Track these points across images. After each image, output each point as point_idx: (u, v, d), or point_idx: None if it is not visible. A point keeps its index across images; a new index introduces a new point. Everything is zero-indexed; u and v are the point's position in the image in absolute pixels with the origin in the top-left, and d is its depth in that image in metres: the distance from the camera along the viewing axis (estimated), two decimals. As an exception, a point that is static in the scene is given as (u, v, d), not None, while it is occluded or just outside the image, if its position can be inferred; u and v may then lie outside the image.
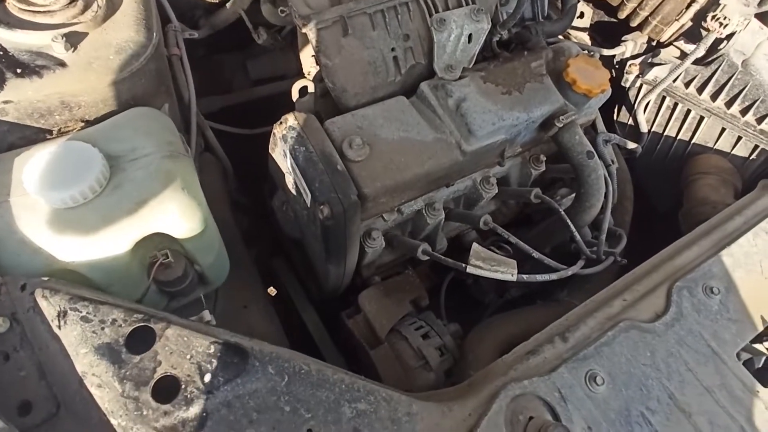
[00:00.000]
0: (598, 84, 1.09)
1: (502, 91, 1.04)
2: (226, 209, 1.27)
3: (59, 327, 0.63)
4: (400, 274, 1.26)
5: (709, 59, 1.21)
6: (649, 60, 1.32)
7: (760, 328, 0.88)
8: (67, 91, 0.81)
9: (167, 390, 0.61)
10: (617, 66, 1.40)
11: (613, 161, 1.31)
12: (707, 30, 1.16)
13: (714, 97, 1.22)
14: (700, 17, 1.19)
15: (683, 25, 1.22)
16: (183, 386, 0.62)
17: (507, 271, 0.95)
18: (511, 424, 0.69)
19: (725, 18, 1.13)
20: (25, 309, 0.65)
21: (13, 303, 0.65)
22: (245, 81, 1.59)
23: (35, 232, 0.71)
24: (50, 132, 0.83)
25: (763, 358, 0.89)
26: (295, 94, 1.01)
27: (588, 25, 1.54)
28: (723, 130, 1.24)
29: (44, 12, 0.85)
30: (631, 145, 1.36)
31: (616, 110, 1.45)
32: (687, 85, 1.25)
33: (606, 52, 1.34)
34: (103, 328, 0.63)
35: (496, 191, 1.15)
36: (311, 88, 1.02)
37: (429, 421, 0.68)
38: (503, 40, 1.17)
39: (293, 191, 0.99)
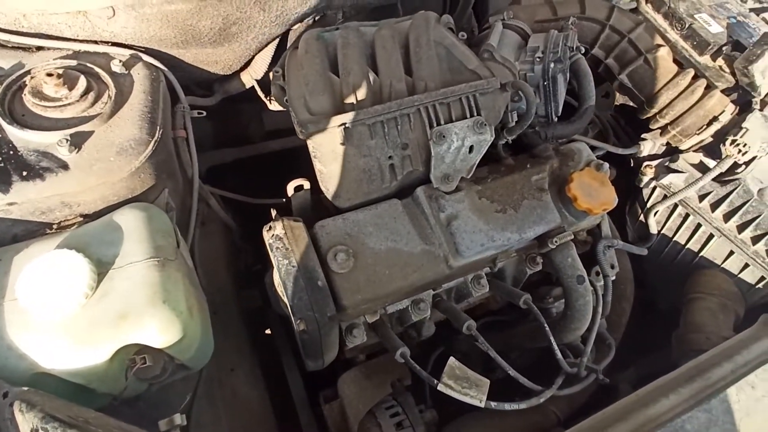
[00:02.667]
0: (600, 203, 1.07)
1: (497, 209, 1.03)
2: (224, 271, 1.31)
3: (30, 443, 0.69)
4: (386, 352, 1.28)
5: (727, 179, 1.16)
6: (666, 164, 1.27)
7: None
8: (68, 193, 0.86)
9: None
10: (633, 164, 1.36)
11: (613, 266, 1.28)
12: (726, 154, 1.11)
13: (726, 218, 1.17)
14: (720, 136, 1.14)
15: (703, 140, 1.17)
16: None
17: (476, 396, 0.96)
18: None
19: (745, 145, 1.08)
20: (4, 418, 0.71)
21: (-7, 412, 0.71)
22: (260, 130, 1.62)
23: (22, 337, 0.77)
24: (50, 226, 0.88)
25: None
26: (290, 191, 1.03)
27: (612, 106, 1.50)
28: (731, 252, 1.19)
29: (57, 107, 0.90)
30: (637, 250, 1.33)
31: (628, 205, 1.41)
32: (701, 199, 1.21)
33: (622, 151, 1.30)
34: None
35: (487, 290, 1.15)
36: (306, 185, 1.04)
37: None
38: (510, 142, 1.15)
39: (280, 294, 1.02)
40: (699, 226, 1.24)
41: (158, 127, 0.96)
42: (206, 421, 1.09)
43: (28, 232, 0.87)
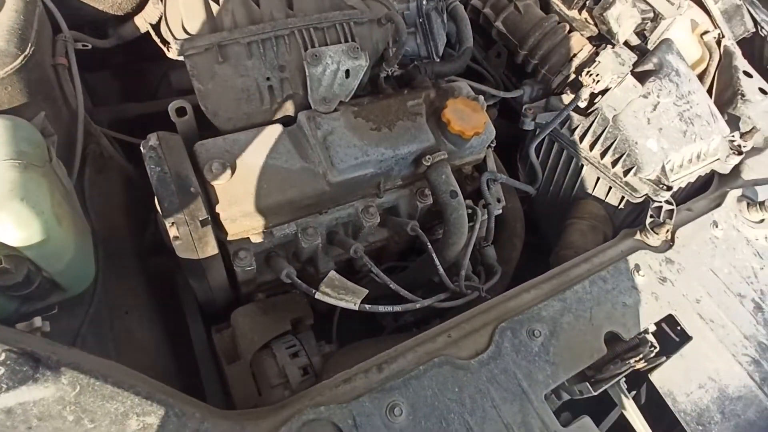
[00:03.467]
0: (472, 126, 1.15)
1: (371, 127, 1.09)
2: (121, 217, 1.30)
3: None
4: (287, 294, 1.29)
5: (589, 111, 1.28)
6: (543, 105, 1.39)
7: (576, 371, 0.93)
8: None
9: (-51, 393, 0.64)
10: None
11: (499, 200, 1.37)
12: (583, 84, 1.23)
13: (591, 146, 1.29)
14: (580, 71, 1.26)
15: (567, 77, 1.29)
16: (-36, 390, 0.65)
17: (351, 301, 1.00)
18: (296, 446, 0.73)
19: (597, 75, 1.20)
20: None
21: None
22: (169, 90, 1.62)
23: None
24: None
25: (570, 397, 0.94)
26: (172, 114, 1.05)
27: (504, 65, 1.61)
28: (598, 179, 1.31)
29: None
30: (522, 186, 1.43)
31: (518, 152, 1.51)
32: (571, 133, 1.32)
33: (504, 94, 1.41)
34: None
35: (377, 220, 1.19)
36: (189, 109, 1.06)
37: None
38: (393, 75, 1.23)
39: (159, 210, 1.03)
40: (572, 158, 1.35)
41: (29, 45, 0.96)
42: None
43: None
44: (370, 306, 1.02)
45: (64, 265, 0.94)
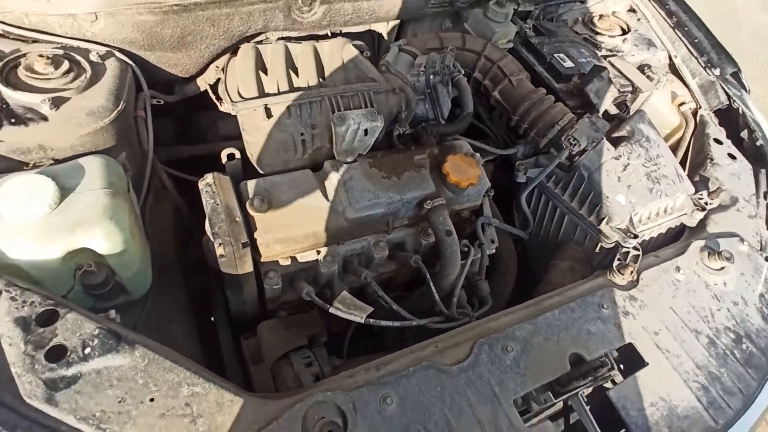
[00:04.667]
0: (467, 178, 1.39)
1: (383, 176, 1.34)
2: (170, 239, 1.55)
3: (-6, 302, 0.91)
4: (306, 313, 1.51)
5: (570, 168, 1.50)
6: (533, 162, 1.62)
7: (542, 383, 1.11)
8: (45, 139, 1.13)
9: (57, 354, 0.87)
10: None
11: (493, 241, 1.58)
12: (563, 146, 1.46)
13: (571, 198, 1.50)
14: (561, 135, 1.50)
15: (551, 139, 1.53)
16: (68, 353, 0.88)
17: (358, 315, 1.21)
18: (306, 420, 0.93)
19: (574, 139, 1.44)
20: (-24, 287, 0.93)
21: (-33, 282, 0.93)
22: (216, 135, 1.92)
23: (-2, 234, 1.01)
24: (27, 164, 1.14)
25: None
26: (224, 158, 1.32)
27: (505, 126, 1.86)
28: (577, 226, 1.52)
29: (43, 79, 1.19)
30: (515, 231, 1.65)
31: (514, 202, 1.74)
32: (555, 185, 1.54)
33: (500, 152, 1.65)
34: (23, 306, 0.91)
35: (386, 253, 1.41)
36: (237, 154, 1.33)
37: (246, 408, 0.93)
38: (405, 134, 1.49)
39: (209, 234, 1.28)
40: (556, 208, 1.56)
41: (122, 102, 1.26)
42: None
43: (9, 168, 1.13)
44: (373, 320, 1.23)
45: (133, 272, 1.19)
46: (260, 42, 1.53)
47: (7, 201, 1.02)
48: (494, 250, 1.58)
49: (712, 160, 1.67)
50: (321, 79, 1.39)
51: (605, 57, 1.83)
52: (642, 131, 1.55)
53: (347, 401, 0.98)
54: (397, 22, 1.78)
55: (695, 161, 1.74)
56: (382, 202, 1.31)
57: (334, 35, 1.70)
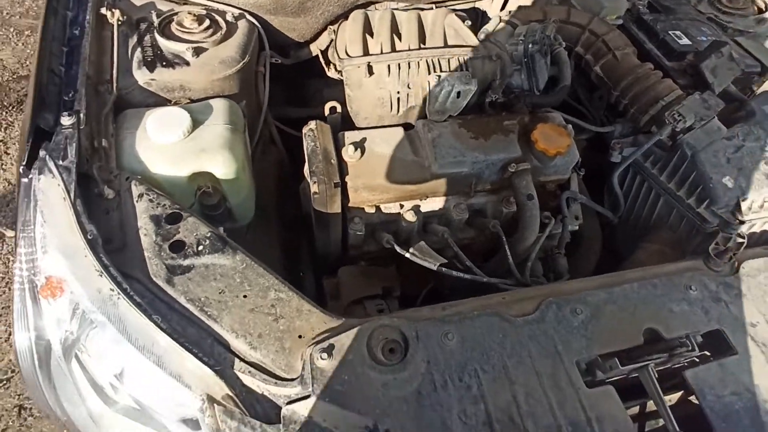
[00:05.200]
0: (555, 147, 1.38)
1: (471, 136, 1.39)
2: (271, 189, 1.74)
3: (137, 201, 1.13)
4: (384, 267, 1.61)
5: (673, 147, 1.42)
6: (630, 141, 1.56)
7: (609, 350, 1.09)
8: (185, 80, 1.35)
9: (178, 246, 1.06)
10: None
11: (577, 217, 1.55)
12: (666, 122, 1.39)
13: (669, 179, 1.42)
14: (665, 111, 1.42)
15: (654, 116, 1.46)
16: (186, 248, 1.06)
17: (432, 262, 1.28)
18: (371, 338, 1.02)
19: (679, 115, 1.36)
20: (125, 189, 1.16)
21: (120, 184, 1.16)
22: (321, 101, 2.10)
23: (144, 152, 1.23)
24: (170, 101, 1.37)
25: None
26: (327, 111, 1.47)
27: (604, 107, 1.80)
28: (673, 209, 1.43)
29: (190, 32, 1.42)
30: (602, 210, 1.60)
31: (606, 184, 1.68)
32: (653, 165, 1.47)
33: (595, 129, 1.60)
34: (157, 207, 1.11)
35: (466, 216, 1.46)
36: (339, 108, 1.47)
37: (320, 318, 1.05)
38: (497, 101, 1.52)
39: (306, 175, 1.43)
40: (651, 189, 1.49)
41: (247, 56, 1.45)
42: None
43: (157, 102, 1.36)
44: (445, 270, 1.29)
45: (240, 200, 1.37)
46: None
47: (154, 126, 1.24)
48: (577, 227, 1.55)
49: None
50: (422, 44, 1.47)
51: (733, 38, 1.68)
52: (766, 113, 1.41)
53: (411, 329, 1.05)
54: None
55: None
56: (467, 160, 1.36)
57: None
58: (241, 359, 0.99)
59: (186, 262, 1.05)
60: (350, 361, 1.00)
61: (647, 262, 1.39)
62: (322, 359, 0.98)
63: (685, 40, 1.60)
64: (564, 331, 1.10)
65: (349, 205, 1.40)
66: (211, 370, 0.95)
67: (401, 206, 1.44)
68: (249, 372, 0.97)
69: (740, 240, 1.28)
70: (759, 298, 1.21)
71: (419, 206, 1.46)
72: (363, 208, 1.43)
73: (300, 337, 1.03)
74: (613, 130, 1.60)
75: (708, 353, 1.14)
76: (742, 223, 1.29)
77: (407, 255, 1.32)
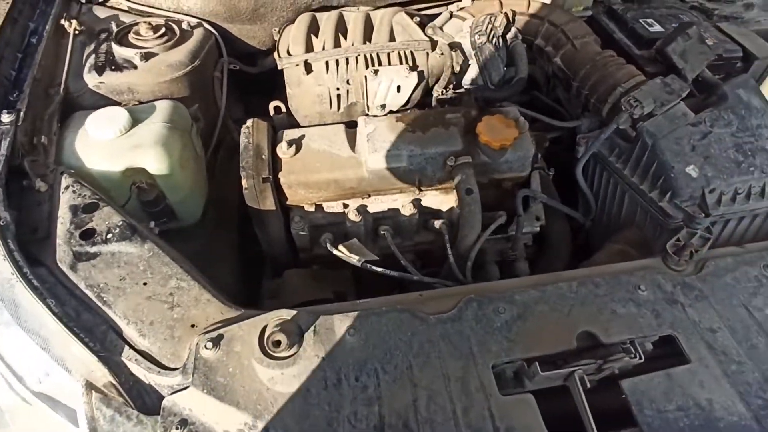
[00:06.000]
0: (500, 139, 1.30)
1: (408, 130, 1.33)
2: (234, 192, 1.73)
3: (62, 193, 1.16)
4: (338, 270, 1.56)
5: (632, 135, 1.30)
6: (596, 135, 1.44)
7: (534, 354, 0.97)
8: (133, 83, 1.40)
9: (88, 234, 1.07)
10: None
11: (538, 218, 1.44)
12: (623, 109, 1.27)
13: (632, 172, 1.29)
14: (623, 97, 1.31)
15: (614, 105, 1.34)
16: (95, 235, 1.07)
17: (357, 260, 1.22)
18: (264, 330, 0.97)
19: (635, 101, 1.24)
20: (57, 182, 1.20)
21: (54, 178, 1.20)
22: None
23: (82, 147, 1.27)
24: (119, 104, 1.42)
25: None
26: (271, 110, 1.47)
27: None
28: (637, 205, 1.29)
29: (144, 40, 1.48)
30: (569, 211, 1.47)
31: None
32: (617, 160, 1.35)
33: (559, 123, 1.50)
34: (77, 198, 1.14)
35: (413, 213, 1.37)
36: (283, 108, 1.46)
37: (217, 308, 1.01)
38: (446, 96, 1.46)
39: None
40: (617, 185, 1.36)
41: (197, 60, 1.49)
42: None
43: (108, 105, 1.42)
44: (370, 266, 1.22)
45: (180, 198, 1.38)
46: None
47: (94, 124, 1.29)
48: (538, 229, 1.43)
49: None
50: (367, 41, 1.45)
51: (716, 24, 1.54)
52: (740, 97, 1.27)
53: (309, 323, 0.99)
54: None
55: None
56: (403, 154, 1.30)
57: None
58: (131, 347, 0.97)
59: (93, 249, 1.06)
60: (237, 353, 0.95)
61: (607, 262, 1.25)
62: (207, 349, 0.94)
63: (657, 27, 1.49)
64: (482, 332, 1.00)
65: (288, 203, 1.38)
66: (94, 355, 0.93)
67: (345, 206, 1.40)
68: (135, 360, 0.95)
69: (706, 236, 1.12)
70: (724, 301, 1.05)
71: (365, 206, 1.40)
72: (303, 207, 1.40)
73: (193, 326, 0.99)
74: (579, 124, 1.50)
75: (659, 363, 0.99)
76: (708, 216, 1.14)
77: (335, 252, 1.27)
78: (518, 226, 1.38)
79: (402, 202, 1.40)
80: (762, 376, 0.95)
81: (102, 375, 0.93)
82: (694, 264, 1.10)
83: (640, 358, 0.95)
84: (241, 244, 1.67)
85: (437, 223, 1.38)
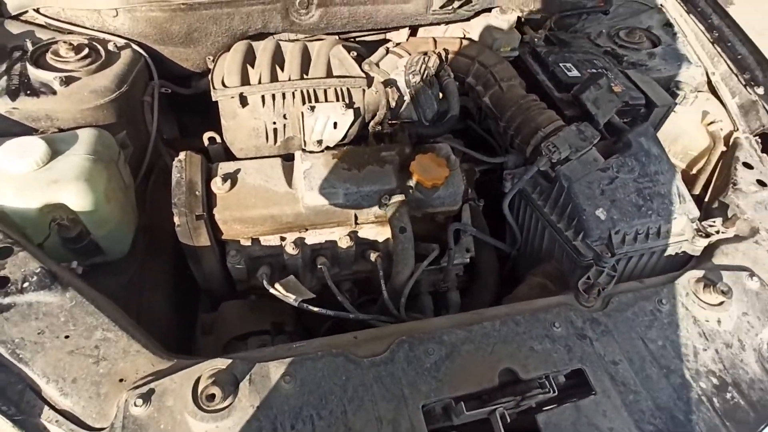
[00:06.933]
0: (432, 178, 1.36)
1: (344, 167, 1.36)
2: (167, 218, 1.68)
3: (-31, 236, 1.07)
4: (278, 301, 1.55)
5: (552, 176, 1.41)
6: (521, 171, 1.54)
7: (461, 393, 1.04)
8: (51, 110, 1.32)
9: (1, 283, 1.01)
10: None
11: (468, 250, 1.52)
12: (542, 153, 1.38)
13: (551, 210, 1.41)
14: (543, 141, 1.42)
15: (535, 147, 1.45)
16: (9, 284, 1.01)
17: (294, 300, 1.24)
18: (198, 382, 0.96)
19: (554, 146, 1.35)
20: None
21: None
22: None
23: (-8, 183, 1.18)
24: (36, 131, 1.33)
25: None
26: (205, 141, 1.44)
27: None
28: (555, 241, 1.41)
29: (64, 61, 1.39)
30: (494, 242, 1.57)
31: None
32: (538, 197, 1.46)
33: (487, 159, 1.59)
34: (-14, 242, 1.06)
35: (351, 246, 1.41)
36: (218, 138, 1.44)
37: (148, 360, 0.99)
38: (381, 132, 1.50)
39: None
40: (538, 221, 1.47)
41: (125, 85, 1.42)
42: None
43: (22, 132, 1.32)
44: (306, 306, 1.24)
45: (106, 233, 1.32)
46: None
47: (6, 156, 1.20)
48: (468, 260, 1.52)
49: (735, 185, 1.47)
50: (305, 74, 1.46)
51: (623, 71, 1.70)
52: (642, 145, 1.42)
53: (245, 372, 1.00)
54: (407, 31, 1.81)
55: (718, 187, 1.54)
56: (339, 192, 1.33)
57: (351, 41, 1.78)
58: (51, 407, 0.93)
59: (6, 300, 1.00)
60: (169, 408, 0.94)
61: (528, 296, 1.36)
62: (137, 406, 0.92)
63: (574, 72, 1.62)
64: (413, 373, 1.06)
65: (223, 237, 1.36)
66: (9, 420, 0.88)
67: (282, 239, 1.40)
68: (56, 421, 0.91)
69: (611, 274, 1.25)
70: (624, 334, 1.18)
71: (303, 239, 1.42)
72: (239, 241, 1.38)
73: (121, 381, 0.97)
74: (506, 160, 1.60)
75: (569, 395, 1.10)
76: (614, 255, 1.27)
77: (271, 290, 1.27)
78: (450, 259, 1.45)
79: (339, 234, 1.43)
80: (654, 403, 1.08)
81: (19, 440, 0.89)
82: (601, 300, 1.23)
83: (554, 392, 1.06)
84: (176, 266, 1.62)
85: (373, 256, 1.42)
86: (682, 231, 1.36)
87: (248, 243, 1.39)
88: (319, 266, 1.40)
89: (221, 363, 1.01)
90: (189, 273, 1.71)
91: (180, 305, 1.59)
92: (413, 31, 1.87)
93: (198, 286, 1.66)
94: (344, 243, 1.42)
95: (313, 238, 1.43)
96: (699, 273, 1.29)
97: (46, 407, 0.92)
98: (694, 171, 1.70)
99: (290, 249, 1.38)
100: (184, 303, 1.60)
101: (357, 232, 1.45)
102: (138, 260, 1.50)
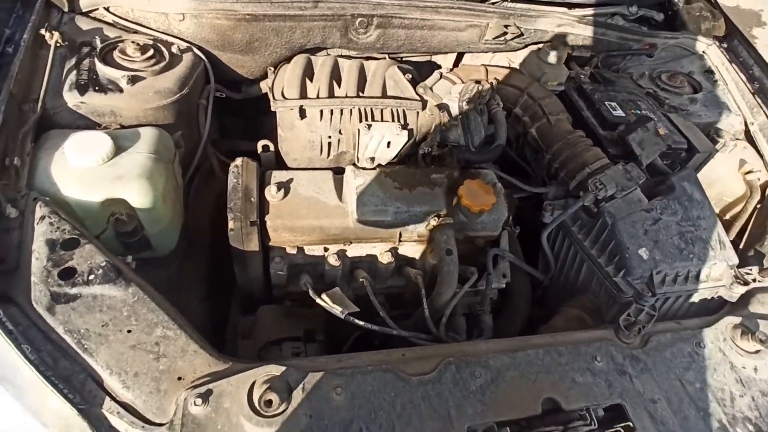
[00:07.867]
0: (479, 203, 1.39)
1: (395, 186, 1.39)
2: (207, 220, 1.71)
3: (37, 223, 1.10)
4: (310, 309, 1.57)
5: (597, 213, 1.45)
6: (562, 204, 1.58)
7: (505, 418, 1.06)
8: (117, 106, 1.35)
9: (67, 274, 1.03)
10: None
11: (504, 275, 1.55)
12: (589, 189, 1.41)
13: (592, 244, 1.43)
14: (590, 178, 1.45)
15: (581, 182, 1.49)
16: (76, 275, 1.03)
17: (340, 312, 1.26)
18: (253, 386, 0.98)
19: (601, 183, 1.39)
20: (30, 210, 1.13)
21: (27, 204, 1.14)
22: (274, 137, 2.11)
23: (58, 173, 1.21)
24: (99, 125, 1.37)
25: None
26: (259, 149, 1.47)
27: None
28: (594, 275, 1.44)
29: (131, 60, 1.44)
30: (530, 269, 1.60)
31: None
32: (579, 230, 1.49)
33: (528, 188, 1.63)
34: (55, 231, 1.08)
35: (392, 262, 1.44)
36: (272, 147, 1.47)
37: (205, 361, 1.01)
38: (430, 154, 1.54)
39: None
40: (577, 253, 1.50)
41: (186, 88, 1.46)
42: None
43: (86, 125, 1.36)
44: (354, 319, 1.26)
45: (159, 230, 1.35)
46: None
47: (73, 149, 1.23)
48: (504, 285, 1.54)
49: (771, 235, 1.50)
50: (360, 92, 1.50)
51: (666, 114, 1.75)
52: (685, 189, 1.45)
53: (298, 380, 1.02)
54: (454, 54, 1.86)
55: (754, 235, 1.57)
56: (389, 210, 1.36)
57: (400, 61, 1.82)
58: (113, 398, 0.94)
59: (73, 291, 1.02)
60: (226, 410, 0.95)
61: (565, 327, 1.38)
62: (196, 405, 0.93)
63: (619, 112, 1.66)
64: (460, 395, 1.08)
65: (270, 244, 1.38)
66: (74, 408, 0.90)
67: (326, 249, 1.43)
68: (117, 413, 0.93)
69: (651, 313, 1.28)
70: (663, 374, 1.20)
71: (345, 251, 1.44)
72: (284, 248, 1.41)
73: (179, 378, 0.99)
74: (547, 191, 1.63)
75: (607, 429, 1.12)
76: (654, 295, 1.30)
77: (318, 300, 1.30)
78: (488, 283, 1.48)
79: (380, 250, 1.46)
80: (691, 444, 1.10)
81: (80, 430, 0.90)
82: (641, 338, 1.25)
83: (595, 425, 1.08)
84: (210, 268, 1.64)
85: (413, 273, 1.44)
86: (721, 276, 1.39)
87: (293, 251, 1.41)
88: (360, 279, 1.42)
89: (276, 369, 1.03)
90: (221, 275, 1.74)
91: (212, 307, 1.61)
92: (459, 55, 1.92)
93: (227, 288, 1.69)
94: (385, 259, 1.44)
95: (354, 251, 1.46)
96: (737, 319, 1.31)
97: (108, 398, 0.93)
98: (727, 217, 1.73)
99: (332, 260, 1.40)
100: (215, 305, 1.63)
101: (398, 248, 1.48)
102: (179, 258, 1.53)
